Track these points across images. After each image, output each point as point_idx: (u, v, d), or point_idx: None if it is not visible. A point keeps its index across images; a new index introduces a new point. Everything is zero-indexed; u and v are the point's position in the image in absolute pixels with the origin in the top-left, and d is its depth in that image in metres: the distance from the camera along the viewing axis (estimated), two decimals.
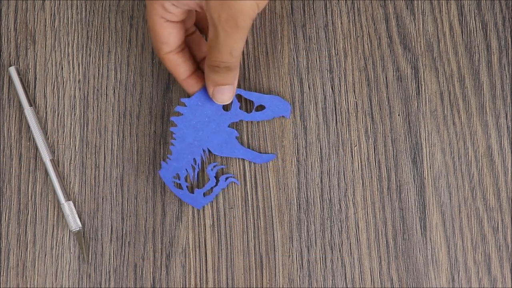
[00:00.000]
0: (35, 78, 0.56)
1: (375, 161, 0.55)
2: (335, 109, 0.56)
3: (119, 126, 0.56)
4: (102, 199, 0.55)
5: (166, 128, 0.55)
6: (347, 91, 0.56)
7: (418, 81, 0.56)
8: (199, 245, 0.54)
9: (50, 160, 0.54)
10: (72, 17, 0.57)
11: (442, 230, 0.54)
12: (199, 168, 0.54)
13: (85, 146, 0.55)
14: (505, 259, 0.54)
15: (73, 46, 0.57)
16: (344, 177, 0.55)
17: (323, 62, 0.56)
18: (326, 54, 0.56)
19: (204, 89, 0.53)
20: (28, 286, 0.54)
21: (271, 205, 0.55)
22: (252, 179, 0.55)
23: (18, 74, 0.55)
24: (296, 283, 0.53)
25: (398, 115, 0.55)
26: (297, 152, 0.55)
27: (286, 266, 0.54)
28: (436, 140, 0.55)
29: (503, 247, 0.54)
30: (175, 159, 0.53)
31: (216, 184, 0.54)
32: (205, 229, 0.54)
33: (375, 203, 0.54)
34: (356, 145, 0.55)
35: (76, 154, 0.55)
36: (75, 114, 0.56)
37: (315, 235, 0.54)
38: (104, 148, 0.55)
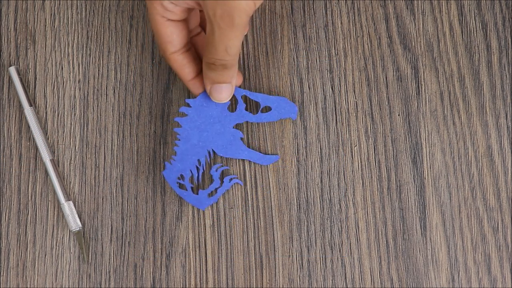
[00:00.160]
0: (35, 78, 0.56)
1: (375, 161, 0.55)
2: (335, 109, 0.56)
3: (119, 126, 0.56)
4: (102, 199, 0.55)
5: (166, 128, 0.55)
6: (347, 91, 0.56)
7: (418, 81, 0.56)
8: (199, 245, 0.54)
9: (50, 160, 0.54)
10: (72, 17, 0.57)
11: (442, 230, 0.54)
12: (203, 169, 0.54)
13: (85, 146, 0.55)
14: (505, 259, 0.54)
15: (73, 46, 0.57)
16: (344, 177, 0.55)
17: (323, 62, 0.56)
18: (326, 54, 0.56)
19: None
20: (28, 286, 0.54)
21: (271, 205, 0.55)
22: (252, 179, 0.55)
23: (18, 74, 0.55)
24: (296, 283, 0.53)
25: (398, 115, 0.55)
26: (297, 152, 0.55)
27: (286, 266, 0.54)
28: (436, 140, 0.55)
29: (503, 247, 0.54)
30: (180, 160, 0.53)
31: (220, 185, 0.54)
32: (205, 229, 0.54)
33: (375, 203, 0.54)
34: (356, 145, 0.55)
35: (76, 154, 0.55)
36: (75, 114, 0.56)
37: (315, 235, 0.54)
38: (104, 148, 0.55)
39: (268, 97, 0.54)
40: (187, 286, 0.54)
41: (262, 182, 0.55)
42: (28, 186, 0.55)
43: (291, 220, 0.54)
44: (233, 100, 0.55)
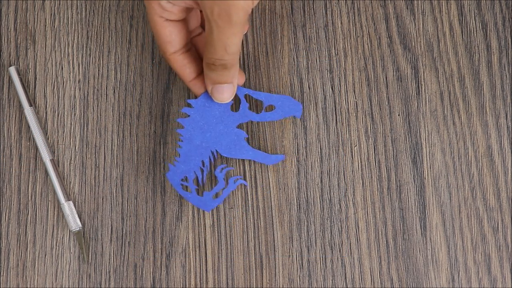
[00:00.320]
0: (35, 78, 0.56)
1: (375, 161, 0.55)
2: (335, 109, 0.56)
3: (119, 126, 0.56)
4: (102, 199, 0.55)
5: (166, 128, 0.55)
6: (347, 91, 0.56)
7: (418, 81, 0.56)
8: (199, 245, 0.54)
9: (50, 160, 0.54)
10: (72, 17, 0.57)
11: (442, 230, 0.54)
12: (207, 170, 0.53)
13: (85, 146, 0.55)
14: (505, 259, 0.54)
15: (73, 46, 0.57)
16: (344, 177, 0.55)
17: (323, 62, 0.56)
18: (326, 54, 0.56)
19: None
20: (28, 286, 0.54)
21: (271, 205, 0.55)
22: (252, 179, 0.55)
23: (18, 74, 0.55)
24: (296, 283, 0.53)
25: (398, 115, 0.55)
26: (297, 152, 0.55)
27: (286, 266, 0.54)
28: (436, 140, 0.55)
29: (503, 247, 0.54)
30: (183, 161, 0.53)
31: (225, 186, 0.54)
32: (205, 229, 0.54)
33: (375, 203, 0.54)
34: (356, 145, 0.55)
35: (76, 154, 0.55)
36: (75, 114, 0.56)
37: (315, 235, 0.54)
38: (104, 148, 0.55)
39: (272, 95, 0.53)
40: (187, 286, 0.54)
41: (262, 182, 0.55)
42: (28, 186, 0.55)
43: (291, 220, 0.54)
44: (236, 100, 0.55)
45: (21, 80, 0.55)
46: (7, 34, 0.57)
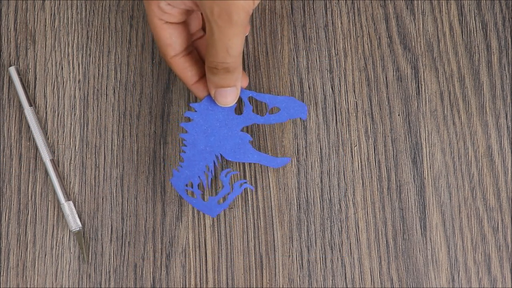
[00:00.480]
0: (35, 78, 0.56)
1: (375, 161, 0.55)
2: (335, 109, 0.56)
3: (119, 126, 0.56)
4: (102, 199, 0.55)
5: (166, 128, 0.55)
6: (347, 91, 0.56)
7: (418, 81, 0.56)
8: (199, 245, 0.54)
9: (50, 160, 0.54)
10: (72, 17, 0.57)
11: (442, 230, 0.54)
12: (212, 175, 0.52)
13: (85, 146, 0.55)
14: (505, 259, 0.54)
15: (73, 46, 0.57)
16: (344, 177, 0.55)
17: (323, 62, 0.56)
18: (326, 54, 0.56)
19: None
20: (28, 286, 0.54)
21: (271, 205, 0.55)
22: (252, 179, 0.55)
23: (18, 74, 0.55)
24: (296, 283, 0.53)
25: (398, 115, 0.55)
26: (297, 152, 0.55)
27: (286, 266, 0.54)
28: (436, 140, 0.55)
29: (503, 247, 0.54)
30: (187, 166, 0.52)
31: (231, 191, 0.53)
32: (205, 229, 0.54)
33: (375, 203, 0.54)
34: (356, 145, 0.55)
35: (76, 154, 0.55)
36: (75, 114, 0.56)
37: (315, 235, 0.54)
38: (104, 148, 0.55)
39: (276, 97, 0.52)
40: (187, 286, 0.54)
41: (262, 182, 0.55)
42: (28, 186, 0.55)
43: (291, 220, 0.54)
44: (240, 102, 0.54)
45: (21, 80, 0.55)
46: (7, 34, 0.57)
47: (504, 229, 0.54)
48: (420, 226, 0.54)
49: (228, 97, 0.50)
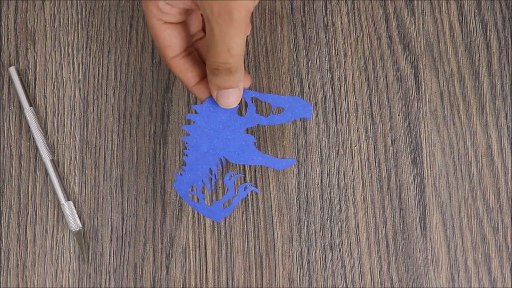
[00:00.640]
0: (35, 78, 0.56)
1: (375, 161, 0.55)
2: (335, 109, 0.56)
3: (119, 126, 0.56)
4: (102, 199, 0.55)
5: (166, 128, 0.55)
6: (347, 91, 0.56)
7: (418, 81, 0.56)
8: (199, 245, 0.54)
9: (50, 160, 0.54)
10: (72, 17, 0.57)
11: (442, 230, 0.54)
12: (215, 178, 0.51)
13: (85, 146, 0.55)
14: (505, 259, 0.54)
15: (73, 46, 0.57)
16: (344, 177, 0.55)
17: (323, 62, 0.56)
18: (326, 54, 0.56)
19: None
20: (28, 286, 0.54)
21: (271, 205, 0.55)
22: (252, 179, 0.55)
23: (18, 74, 0.55)
24: (296, 283, 0.53)
25: (398, 115, 0.55)
26: (297, 152, 0.55)
27: (286, 266, 0.54)
28: (436, 140, 0.55)
29: (503, 247, 0.54)
30: (190, 170, 0.50)
31: (235, 194, 0.52)
32: (205, 229, 0.54)
33: (375, 203, 0.54)
34: (356, 145, 0.55)
35: (76, 154, 0.55)
36: (75, 114, 0.56)
37: (315, 235, 0.54)
38: (104, 148, 0.55)
39: (279, 97, 0.51)
40: (187, 286, 0.54)
41: (262, 182, 0.55)
42: (28, 186, 0.55)
43: (291, 220, 0.54)
44: (243, 103, 0.54)
45: (21, 80, 0.55)
46: (7, 34, 0.57)
47: (504, 229, 0.54)
48: (420, 226, 0.54)
49: (231, 98, 0.49)
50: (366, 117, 0.55)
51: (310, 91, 0.56)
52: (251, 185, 0.53)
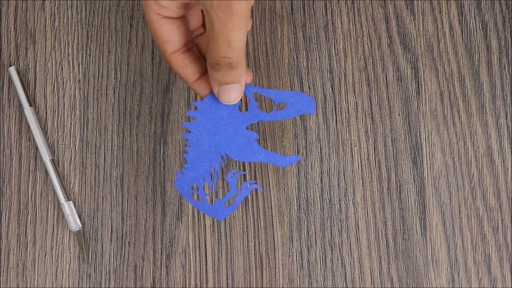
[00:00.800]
0: (35, 78, 0.56)
1: (375, 161, 0.55)
2: (335, 109, 0.56)
3: (119, 126, 0.56)
4: (102, 199, 0.55)
5: (166, 128, 0.55)
6: (347, 91, 0.56)
7: (418, 81, 0.56)
8: (199, 245, 0.54)
9: (50, 160, 0.54)
10: (72, 17, 0.57)
11: (442, 230, 0.54)
12: (218, 176, 0.50)
13: (85, 146, 0.55)
14: (505, 259, 0.54)
15: (73, 46, 0.57)
16: (344, 177, 0.55)
17: (323, 62, 0.56)
18: (326, 54, 0.56)
19: None
20: (28, 286, 0.54)
21: (271, 205, 0.55)
22: (252, 179, 0.55)
23: (18, 74, 0.55)
24: (296, 283, 0.53)
25: (398, 115, 0.55)
26: (297, 152, 0.55)
27: (286, 266, 0.54)
28: (436, 140, 0.55)
29: (503, 247, 0.54)
30: (191, 168, 0.49)
31: (238, 193, 0.51)
32: (205, 229, 0.54)
33: (375, 203, 0.54)
34: (356, 145, 0.55)
35: (76, 154, 0.55)
36: (75, 114, 0.56)
37: (315, 235, 0.54)
38: (104, 148, 0.55)
39: (282, 92, 0.49)
40: (187, 286, 0.54)
41: (262, 182, 0.55)
42: (28, 186, 0.55)
43: (291, 220, 0.54)
44: (244, 99, 0.54)
45: (21, 80, 0.55)
46: (7, 34, 0.57)
47: (504, 229, 0.54)
48: (420, 226, 0.54)
49: (232, 94, 0.48)
50: (366, 117, 0.55)
51: (310, 91, 0.56)
52: (255, 183, 0.52)
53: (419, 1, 0.57)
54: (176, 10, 0.46)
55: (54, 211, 0.54)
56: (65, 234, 0.54)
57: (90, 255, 0.54)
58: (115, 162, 0.55)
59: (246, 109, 0.52)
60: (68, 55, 0.56)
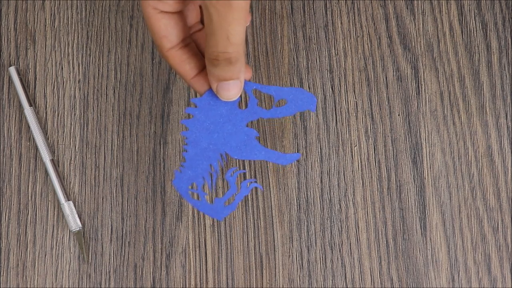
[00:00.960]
0: (35, 78, 0.56)
1: (375, 161, 0.55)
2: (335, 109, 0.56)
3: (119, 126, 0.56)
4: (102, 199, 0.55)
5: (166, 128, 0.55)
6: (347, 91, 0.56)
7: (418, 81, 0.56)
8: (199, 245, 0.54)
9: (50, 160, 0.54)
10: (72, 17, 0.57)
11: (442, 230, 0.54)
12: (217, 174, 0.49)
13: (85, 146, 0.55)
14: (505, 259, 0.54)
15: (73, 46, 0.57)
16: (344, 177, 0.55)
17: (323, 62, 0.56)
18: (326, 54, 0.56)
19: None
20: (28, 286, 0.54)
21: (271, 205, 0.55)
22: (252, 178, 0.55)
23: (18, 74, 0.55)
24: (296, 283, 0.53)
25: (398, 115, 0.55)
26: (297, 152, 0.55)
27: (286, 266, 0.54)
28: (436, 140, 0.55)
29: (503, 247, 0.54)
30: (190, 166, 0.48)
31: (238, 191, 0.49)
32: (205, 229, 0.54)
33: (375, 203, 0.54)
34: (356, 145, 0.55)
35: (76, 154, 0.55)
36: (75, 114, 0.56)
37: (315, 235, 0.54)
38: (104, 148, 0.55)
39: (282, 89, 0.48)
40: (187, 286, 0.54)
41: (262, 182, 0.55)
42: (28, 186, 0.55)
43: (291, 220, 0.54)
44: (244, 96, 0.54)
45: (21, 80, 0.55)
46: (7, 34, 0.57)
47: (504, 229, 0.54)
48: (420, 226, 0.54)
49: (231, 91, 0.47)
50: (366, 117, 0.55)
51: (310, 91, 0.56)
52: (254, 181, 0.51)
53: (419, 1, 0.57)
54: (174, 5, 0.45)
55: (54, 211, 0.54)
56: (65, 234, 0.54)
57: (90, 255, 0.54)
58: (115, 162, 0.55)
59: (246, 106, 0.51)
60: (68, 55, 0.56)
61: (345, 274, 0.54)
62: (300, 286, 0.53)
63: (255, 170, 0.55)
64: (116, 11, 0.57)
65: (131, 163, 0.55)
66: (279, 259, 0.54)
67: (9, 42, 0.57)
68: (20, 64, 0.56)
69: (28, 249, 0.54)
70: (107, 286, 0.53)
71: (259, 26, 0.57)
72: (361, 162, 0.55)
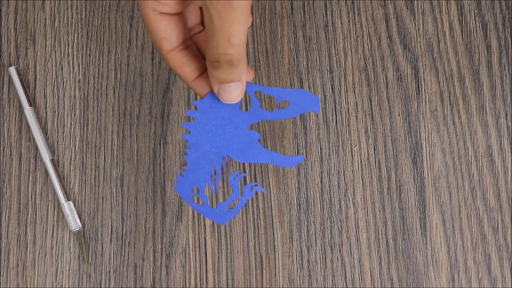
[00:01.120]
0: (35, 78, 0.56)
1: (375, 161, 0.55)
2: (335, 109, 0.56)
3: (119, 126, 0.56)
4: (102, 199, 0.55)
5: (166, 128, 0.55)
6: (347, 91, 0.56)
7: (418, 81, 0.56)
8: (199, 245, 0.54)
9: (50, 160, 0.54)
10: (72, 17, 0.57)
11: (442, 230, 0.54)
12: (219, 178, 0.48)
13: (85, 146, 0.55)
14: (505, 259, 0.54)
15: (73, 46, 0.57)
16: (344, 177, 0.55)
17: (323, 62, 0.56)
18: (326, 54, 0.56)
19: None
20: (28, 286, 0.54)
21: (271, 205, 0.55)
22: (252, 179, 0.55)
23: (18, 74, 0.55)
24: (296, 283, 0.53)
25: (398, 115, 0.55)
26: (297, 152, 0.55)
27: (286, 266, 0.54)
28: (436, 140, 0.55)
29: (503, 247, 0.54)
30: (191, 170, 0.47)
31: (241, 195, 0.49)
32: (205, 229, 0.54)
33: (375, 203, 0.54)
34: (356, 145, 0.55)
35: (76, 154, 0.55)
36: (75, 114, 0.56)
37: (315, 235, 0.54)
38: (104, 148, 0.55)
39: (285, 90, 0.47)
40: (187, 286, 0.54)
41: (262, 182, 0.55)
42: (28, 186, 0.55)
43: (291, 220, 0.54)
44: (246, 98, 0.54)
45: (21, 80, 0.55)
46: (7, 34, 0.57)
47: (504, 229, 0.54)
48: (420, 226, 0.54)
49: (233, 93, 0.46)
50: (366, 117, 0.55)
51: (310, 91, 0.56)
52: (257, 185, 0.50)
53: (419, 1, 0.57)
54: (173, 6, 0.44)
55: (54, 211, 0.54)
56: (65, 234, 0.54)
57: (90, 255, 0.54)
58: (115, 162, 0.55)
59: (248, 108, 0.51)
60: (68, 55, 0.56)
61: (345, 274, 0.54)
62: (300, 286, 0.53)
63: (255, 171, 0.55)
64: (116, 11, 0.57)
65: (131, 163, 0.55)
66: (279, 259, 0.54)
67: (9, 42, 0.57)
68: (20, 64, 0.56)
69: (28, 249, 0.54)
70: (107, 286, 0.53)
71: (259, 26, 0.57)
72: (361, 162, 0.55)
